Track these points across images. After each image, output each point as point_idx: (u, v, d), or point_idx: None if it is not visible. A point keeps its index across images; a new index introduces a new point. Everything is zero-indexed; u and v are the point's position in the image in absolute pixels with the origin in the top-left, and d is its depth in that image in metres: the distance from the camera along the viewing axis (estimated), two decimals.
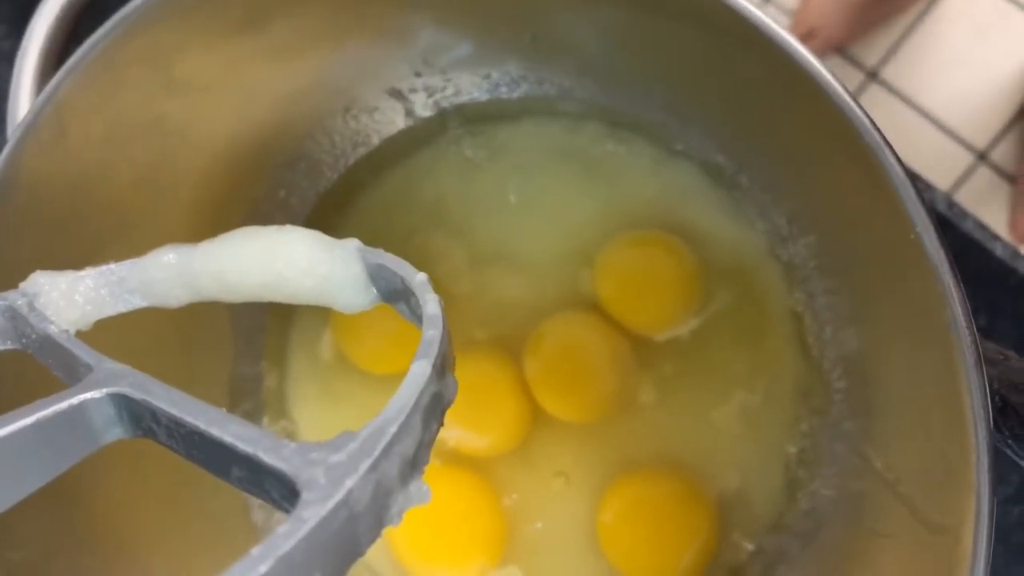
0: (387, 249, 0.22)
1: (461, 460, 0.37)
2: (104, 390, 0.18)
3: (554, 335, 0.36)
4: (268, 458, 0.15)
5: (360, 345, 0.38)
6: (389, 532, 0.36)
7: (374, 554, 0.37)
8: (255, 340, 0.39)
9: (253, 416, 0.39)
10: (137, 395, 0.17)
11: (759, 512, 0.35)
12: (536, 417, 0.36)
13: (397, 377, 0.18)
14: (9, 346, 0.22)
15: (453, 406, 0.33)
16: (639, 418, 0.36)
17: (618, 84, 0.35)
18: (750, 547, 0.35)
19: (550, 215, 0.37)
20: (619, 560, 0.35)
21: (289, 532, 0.13)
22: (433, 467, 0.36)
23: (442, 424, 0.19)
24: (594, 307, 0.36)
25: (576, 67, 0.35)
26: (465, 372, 0.35)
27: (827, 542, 0.31)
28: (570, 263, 0.37)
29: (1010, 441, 0.22)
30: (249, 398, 0.39)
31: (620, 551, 0.35)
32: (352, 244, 0.22)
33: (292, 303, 0.23)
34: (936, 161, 0.85)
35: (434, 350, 0.19)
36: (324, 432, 0.38)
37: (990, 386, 0.21)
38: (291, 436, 0.39)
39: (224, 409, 0.16)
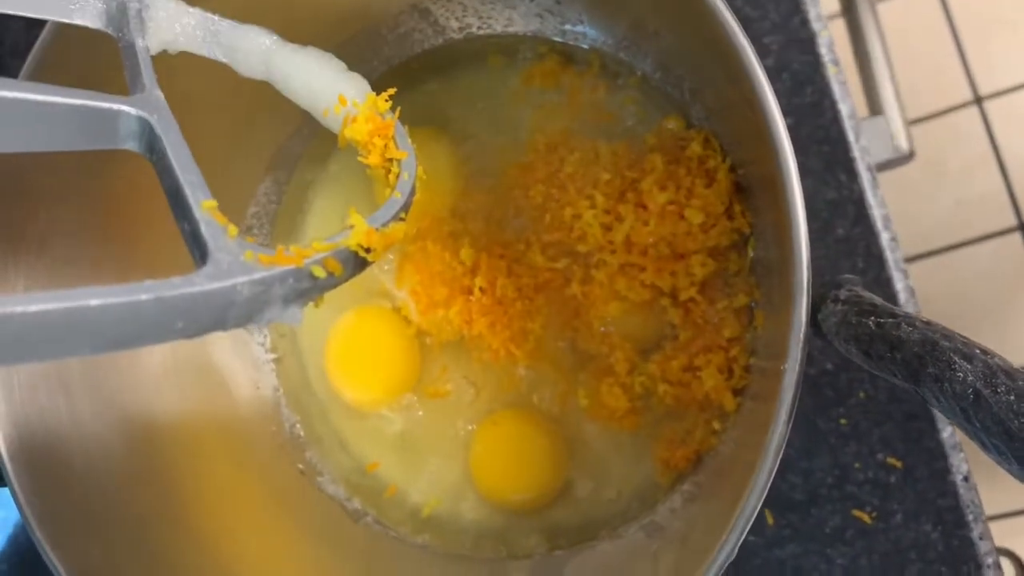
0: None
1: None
2: (141, 112, 0.21)
3: None
4: (204, 229, 0.19)
5: None
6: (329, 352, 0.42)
7: (314, 372, 0.44)
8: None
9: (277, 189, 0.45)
10: (158, 130, 0.21)
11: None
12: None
13: None
14: (106, 30, 0.25)
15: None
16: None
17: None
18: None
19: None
20: (476, 470, 0.41)
21: (177, 284, 0.17)
22: (392, 311, 0.42)
23: (345, 280, 0.22)
24: None
25: None
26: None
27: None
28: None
29: (981, 434, 0.23)
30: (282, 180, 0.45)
31: (479, 464, 0.41)
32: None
33: (319, 120, 0.28)
34: None
35: (387, 215, 0.23)
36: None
37: (964, 379, 0.22)
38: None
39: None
